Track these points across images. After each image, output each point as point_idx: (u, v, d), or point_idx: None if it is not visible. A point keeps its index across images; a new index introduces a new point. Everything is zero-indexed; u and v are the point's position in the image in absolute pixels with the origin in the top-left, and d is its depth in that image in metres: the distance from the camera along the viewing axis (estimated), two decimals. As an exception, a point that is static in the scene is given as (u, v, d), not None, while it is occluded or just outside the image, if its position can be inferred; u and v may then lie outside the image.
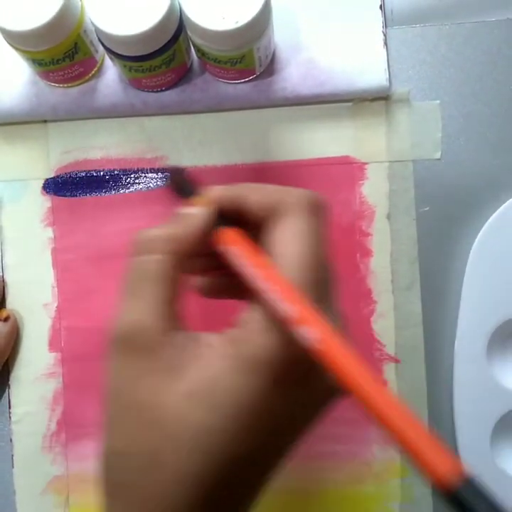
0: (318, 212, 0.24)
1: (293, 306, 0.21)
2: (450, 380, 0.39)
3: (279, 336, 0.22)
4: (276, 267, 0.22)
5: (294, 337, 0.21)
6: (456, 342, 0.39)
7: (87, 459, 0.42)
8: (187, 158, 0.41)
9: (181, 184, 0.28)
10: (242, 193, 0.25)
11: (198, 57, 0.38)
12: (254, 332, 0.22)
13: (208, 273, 0.28)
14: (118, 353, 0.23)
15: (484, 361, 0.38)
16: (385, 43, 0.39)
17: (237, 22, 0.33)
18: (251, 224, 0.25)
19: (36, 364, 0.42)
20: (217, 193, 0.25)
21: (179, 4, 0.34)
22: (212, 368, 0.22)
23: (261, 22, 0.33)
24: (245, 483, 0.23)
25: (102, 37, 0.34)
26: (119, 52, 0.35)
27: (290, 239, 0.23)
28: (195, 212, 0.25)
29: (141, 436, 0.22)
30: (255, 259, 0.23)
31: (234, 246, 0.24)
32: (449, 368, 0.39)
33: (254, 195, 0.24)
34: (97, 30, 0.34)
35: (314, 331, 0.20)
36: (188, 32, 0.35)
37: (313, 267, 0.22)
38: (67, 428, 0.42)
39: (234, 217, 0.25)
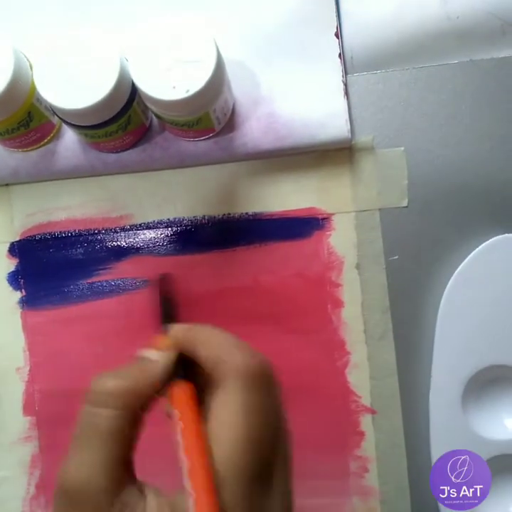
0: (258, 383, 0.23)
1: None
2: (427, 430, 0.39)
3: None
4: (204, 451, 0.22)
5: None
6: (430, 391, 0.38)
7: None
8: (152, 214, 0.41)
9: (165, 301, 0.28)
10: (195, 341, 0.25)
11: (156, 118, 0.37)
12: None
13: None
14: (63, 505, 0.22)
15: (459, 410, 0.38)
16: (346, 93, 0.38)
17: (187, 91, 0.32)
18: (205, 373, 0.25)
19: (11, 429, 0.41)
20: (179, 334, 0.25)
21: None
22: None
23: (213, 88, 0.33)
24: None
25: (55, 109, 0.34)
26: (73, 123, 0.34)
27: (223, 415, 0.22)
28: (155, 359, 0.25)
29: None
30: (189, 438, 0.23)
31: (178, 412, 0.24)
32: (425, 418, 0.39)
33: (203, 348, 0.25)
34: (49, 104, 0.33)
35: None
36: (142, 98, 0.34)
37: (246, 449, 0.22)
38: (46, 491, 0.41)
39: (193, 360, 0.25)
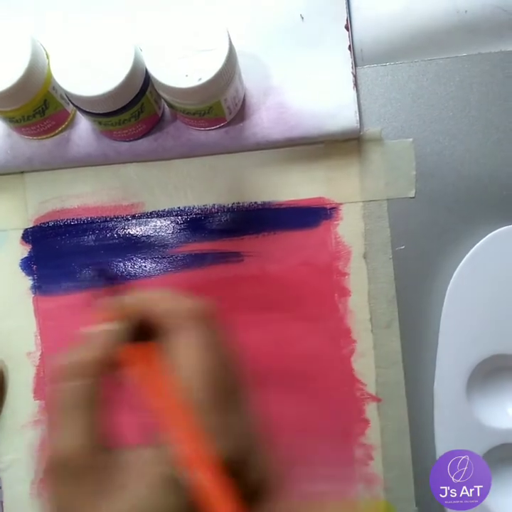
0: (207, 321, 0.26)
1: (181, 445, 0.23)
2: (431, 418, 0.39)
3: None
4: (169, 391, 0.24)
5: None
6: (435, 380, 0.39)
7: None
8: (163, 203, 0.42)
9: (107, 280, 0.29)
10: (148, 303, 0.27)
11: (168, 107, 0.38)
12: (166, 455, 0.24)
13: None
14: (61, 479, 0.24)
15: (464, 399, 0.38)
16: (355, 84, 0.39)
17: (200, 79, 0.33)
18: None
19: (22, 412, 0.42)
20: (132, 302, 0.27)
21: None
22: (133, 489, 0.23)
23: (225, 76, 0.34)
24: None
25: (70, 97, 0.34)
26: (88, 110, 0.35)
27: (182, 355, 0.25)
28: (111, 328, 0.26)
29: None
30: (150, 384, 0.25)
31: (135, 369, 0.26)
32: (429, 406, 0.39)
33: (156, 306, 0.26)
34: (64, 91, 0.34)
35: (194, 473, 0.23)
36: (155, 86, 0.35)
37: (207, 379, 0.24)
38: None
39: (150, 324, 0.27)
